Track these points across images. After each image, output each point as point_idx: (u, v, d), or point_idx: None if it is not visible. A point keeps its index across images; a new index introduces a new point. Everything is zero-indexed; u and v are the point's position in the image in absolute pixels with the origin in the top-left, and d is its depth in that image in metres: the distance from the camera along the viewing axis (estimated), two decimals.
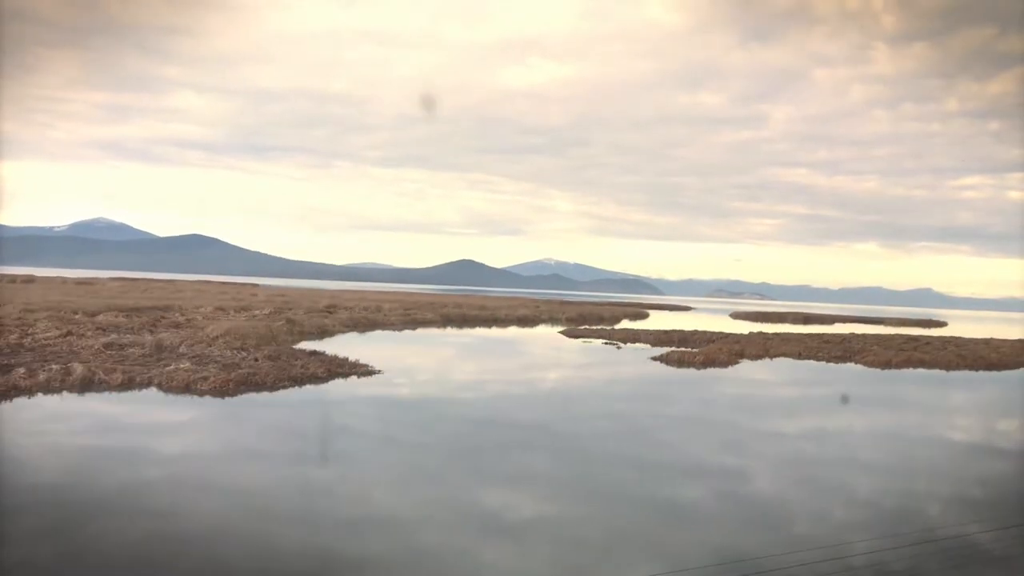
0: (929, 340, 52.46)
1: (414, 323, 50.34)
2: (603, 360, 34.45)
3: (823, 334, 55.82)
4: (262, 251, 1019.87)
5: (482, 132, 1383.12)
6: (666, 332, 48.97)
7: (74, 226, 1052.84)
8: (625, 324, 66.91)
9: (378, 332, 44.12)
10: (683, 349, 37.63)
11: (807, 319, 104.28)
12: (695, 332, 50.32)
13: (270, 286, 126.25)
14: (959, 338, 57.27)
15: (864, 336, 54.86)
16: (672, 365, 32.18)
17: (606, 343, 41.94)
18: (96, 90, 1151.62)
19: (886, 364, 36.59)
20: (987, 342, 53.22)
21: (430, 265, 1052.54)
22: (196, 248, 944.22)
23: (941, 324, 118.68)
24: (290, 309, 46.94)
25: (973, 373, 36.38)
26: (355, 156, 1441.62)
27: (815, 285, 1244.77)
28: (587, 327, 57.43)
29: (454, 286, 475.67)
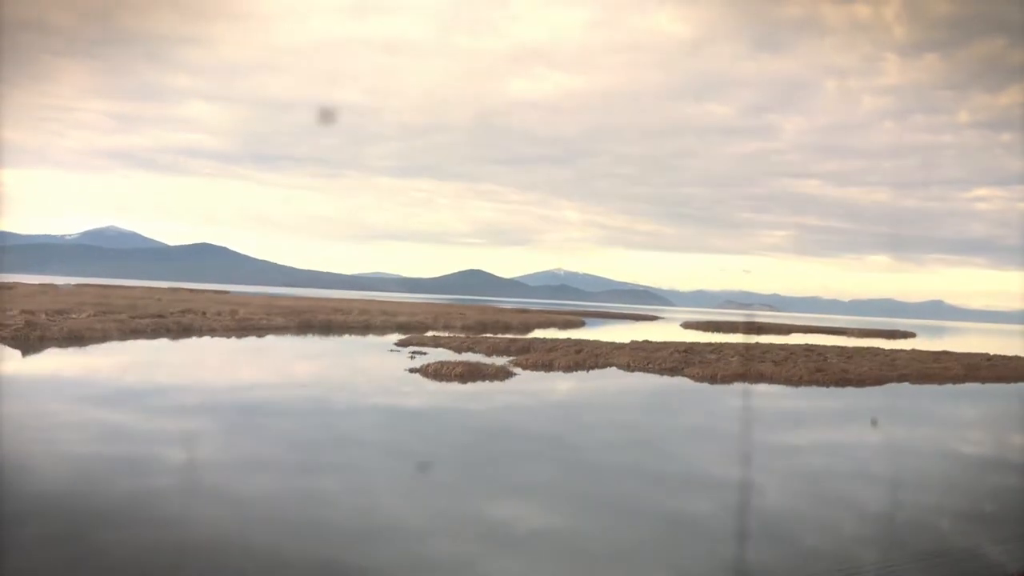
0: (825, 353, 47.37)
1: (242, 329, 45.64)
2: (344, 374, 29.96)
3: (715, 344, 50.69)
4: (271, 260, 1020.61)
5: (491, 142, 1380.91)
6: (513, 340, 44.09)
7: (85, 234, 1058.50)
8: (537, 334, 62.03)
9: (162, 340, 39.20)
10: (478, 359, 32.96)
11: (759, 329, 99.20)
12: (551, 340, 45.46)
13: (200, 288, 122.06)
14: (883, 350, 52.18)
15: (771, 346, 50.03)
16: (429, 377, 27.47)
17: (413, 354, 36.86)
18: (107, 100, 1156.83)
19: (712, 378, 31.63)
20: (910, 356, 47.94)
21: (438, 275, 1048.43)
22: (205, 257, 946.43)
23: (909, 335, 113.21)
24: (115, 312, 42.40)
25: (819, 389, 31.41)
26: (364, 166, 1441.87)
27: (826, 297, 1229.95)
28: (462, 336, 52.39)
29: (462, 296, 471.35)
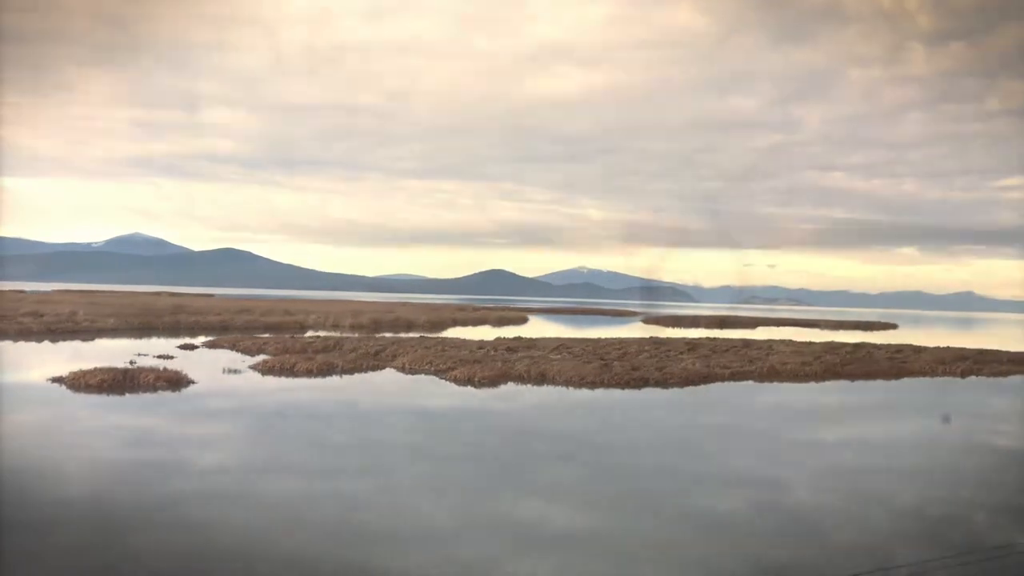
0: (760, 345, 41.14)
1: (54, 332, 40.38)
2: None
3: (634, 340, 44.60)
4: (295, 264, 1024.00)
5: (512, 141, 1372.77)
6: (329, 340, 38.29)
7: (111, 241, 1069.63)
8: (451, 333, 56.47)
9: None
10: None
11: (723, 323, 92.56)
12: (403, 340, 39.69)
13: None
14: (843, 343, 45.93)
15: (715, 341, 44.21)
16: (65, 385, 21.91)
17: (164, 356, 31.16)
18: (131, 107, 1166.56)
19: (471, 379, 25.84)
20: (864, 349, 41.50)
21: (460, 276, 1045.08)
22: (229, 262, 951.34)
23: (890, 327, 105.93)
24: None
25: (589, 392, 25.44)
26: (386, 168, 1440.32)
27: (854, 291, 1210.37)
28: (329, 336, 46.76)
29: (484, 296, 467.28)
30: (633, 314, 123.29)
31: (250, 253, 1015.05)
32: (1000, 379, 34.10)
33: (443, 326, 65.44)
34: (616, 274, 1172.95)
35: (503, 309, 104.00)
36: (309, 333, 49.03)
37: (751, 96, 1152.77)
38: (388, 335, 46.96)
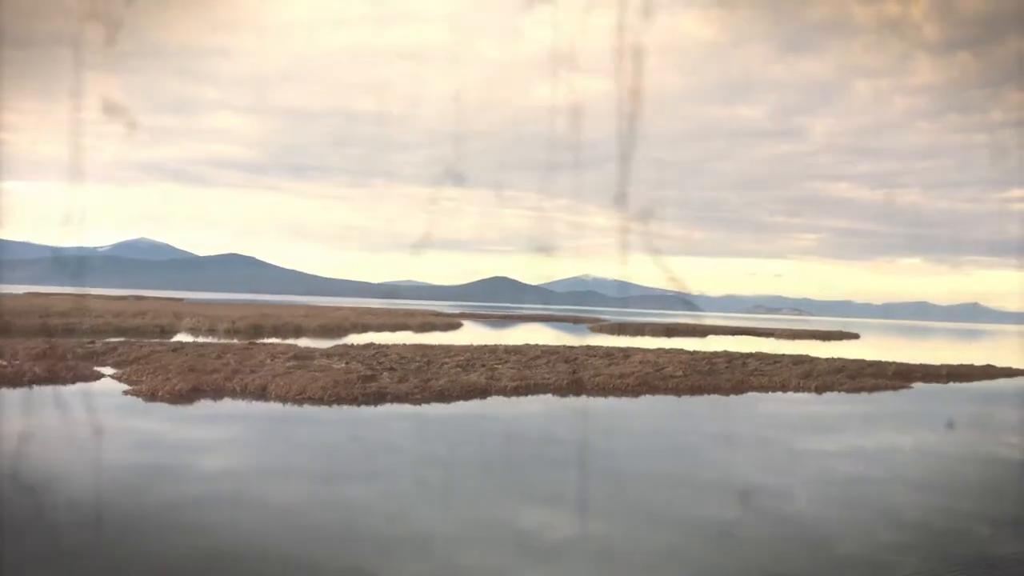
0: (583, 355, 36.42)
1: None
2: None
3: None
4: (299, 270, 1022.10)
5: (517, 148, 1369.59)
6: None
7: (117, 246, 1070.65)
8: (355, 338, 51.92)
9: None
10: None
11: (669, 331, 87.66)
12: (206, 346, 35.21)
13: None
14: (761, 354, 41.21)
15: (592, 350, 39.57)
16: None
17: None
18: (139, 113, 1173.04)
19: (302, 396, 21.34)
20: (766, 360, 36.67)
21: (464, 283, 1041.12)
22: (234, 267, 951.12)
23: (851, 337, 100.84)
24: None
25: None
26: (391, 174, 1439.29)
27: (858, 301, 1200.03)
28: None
29: (486, 303, 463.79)
30: (591, 320, 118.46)
31: (254, 259, 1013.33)
32: (855, 395, 29.38)
33: (342, 332, 60.88)
34: (621, 282, 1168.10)
35: (434, 315, 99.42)
36: (178, 336, 45.02)
37: (757, 105, 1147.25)
38: (265, 341, 42.22)
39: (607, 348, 41.47)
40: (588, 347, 41.13)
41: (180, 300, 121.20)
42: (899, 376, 34.90)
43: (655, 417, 23.91)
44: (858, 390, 30.07)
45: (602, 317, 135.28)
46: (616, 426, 21.61)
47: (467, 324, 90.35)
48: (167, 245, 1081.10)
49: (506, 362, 31.67)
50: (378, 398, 22.37)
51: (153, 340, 38.15)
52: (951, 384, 36.08)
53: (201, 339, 43.34)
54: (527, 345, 41.14)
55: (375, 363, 28.86)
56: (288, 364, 27.65)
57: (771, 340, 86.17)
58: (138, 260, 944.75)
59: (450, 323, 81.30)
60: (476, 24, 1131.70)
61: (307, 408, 20.92)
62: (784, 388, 29.91)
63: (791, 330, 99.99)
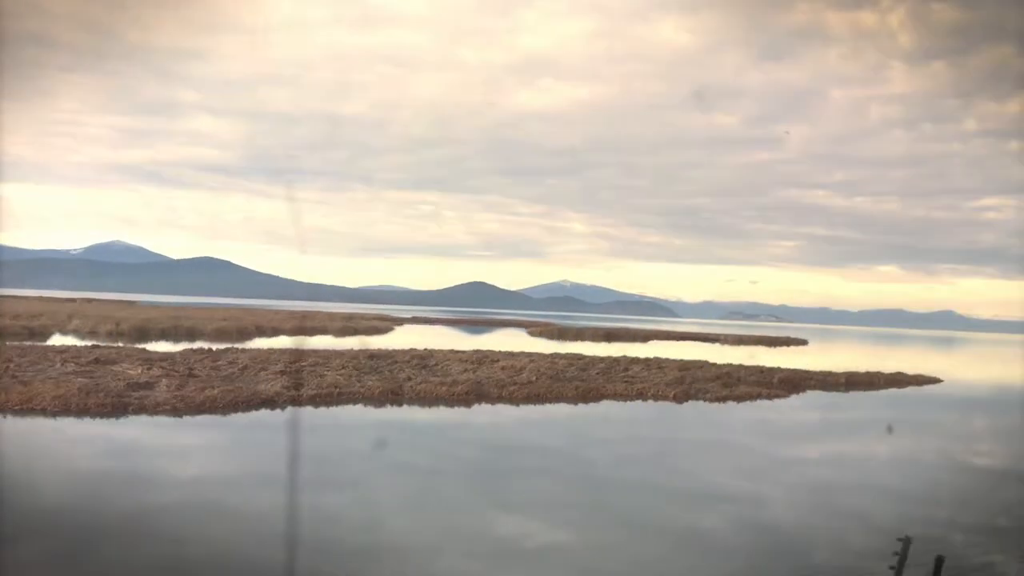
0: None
1: None
2: None
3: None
4: (274, 274, 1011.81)
5: (497, 154, 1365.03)
6: None
7: (90, 249, 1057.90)
8: (261, 343, 48.34)
9: None
10: None
11: (609, 336, 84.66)
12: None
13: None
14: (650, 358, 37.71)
15: (457, 353, 36.18)
16: None
17: None
18: (114, 114, 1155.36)
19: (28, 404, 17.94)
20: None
21: (442, 288, 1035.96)
22: (208, 271, 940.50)
23: (800, 343, 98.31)
24: None
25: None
26: (371, 179, 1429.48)
27: (835, 308, 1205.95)
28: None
29: (464, 308, 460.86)
30: (531, 324, 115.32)
31: (229, 263, 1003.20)
32: (718, 404, 26.29)
33: (244, 336, 57.17)
34: (598, 288, 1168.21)
35: (378, 318, 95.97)
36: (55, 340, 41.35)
37: (734, 113, 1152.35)
38: (137, 345, 38.62)
39: (484, 352, 38.11)
40: (452, 351, 37.69)
41: (135, 303, 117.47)
42: (786, 384, 31.88)
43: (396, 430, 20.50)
44: (725, 399, 26.96)
45: (552, 323, 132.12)
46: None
47: (408, 328, 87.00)
48: (142, 248, 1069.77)
49: (344, 368, 28.32)
50: (119, 409, 19.00)
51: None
52: (849, 392, 33.17)
53: (69, 342, 39.71)
54: (412, 349, 37.85)
55: (180, 370, 25.45)
56: (71, 368, 24.23)
57: (716, 346, 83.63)
58: (112, 263, 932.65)
59: (377, 327, 77.77)
60: (456, 29, 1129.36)
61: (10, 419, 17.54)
62: (643, 396, 26.79)
63: (737, 336, 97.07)
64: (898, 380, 37.29)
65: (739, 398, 27.56)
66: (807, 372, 35.79)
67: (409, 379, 25.55)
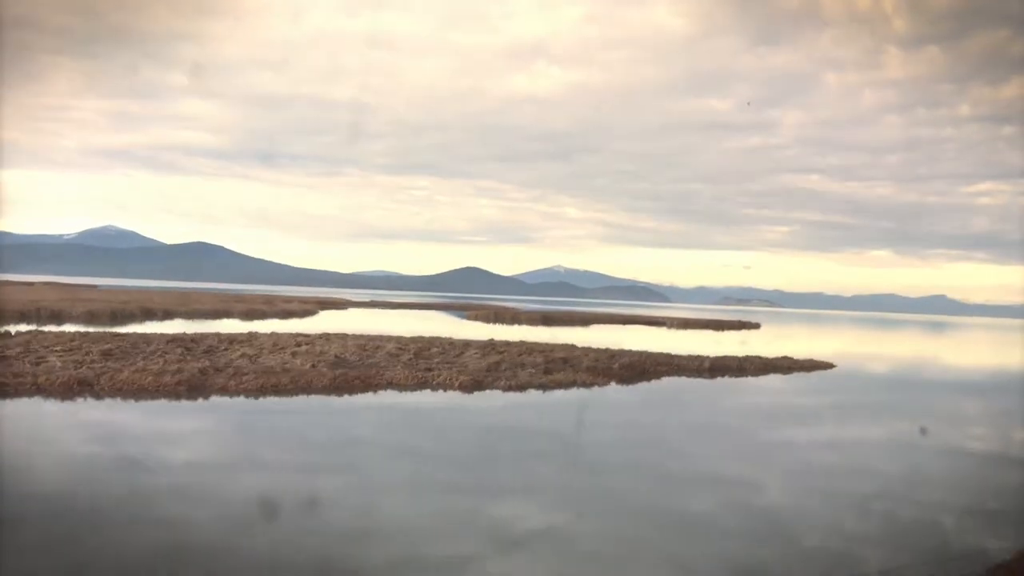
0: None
1: None
2: None
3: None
4: (267, 258, 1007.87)
5: (490, 139, 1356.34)
6: None
7: (83, 234, 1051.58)
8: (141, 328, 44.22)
9: None
10: None
11: (546, 319, 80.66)
12: None
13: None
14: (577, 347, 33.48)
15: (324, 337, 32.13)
16: None
17: None
18: (104, 98, 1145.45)
19: None
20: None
21: (435, 273, 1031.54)
22: (201, 256, 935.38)
23: (753, 326, 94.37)
24: None
25: None
26: (363, 163, 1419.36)
27: (828, 292, 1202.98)
28: None
29: (455, 294, 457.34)
30: (469, 307, 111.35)
31: (222, 247, 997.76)
32: (516, 393, 22.23)
33: (115, 319, 53.02)
34: (592, 273, 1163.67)
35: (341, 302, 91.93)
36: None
37: (728, 98, 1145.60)
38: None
39: (309, 337, 33.79)
40: (287, 335, 33.37)
41: (93, 287, 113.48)
42: (630, 369, 27.85)
43: None
44: (525, 387, 22.92)
45: (505, 305, 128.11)
46: None
47: (346, 313, 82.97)
48: (134, 233, 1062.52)
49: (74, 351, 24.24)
50: None
51: None
52: (715, 379, 29.16)
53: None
54: (236, 334, 33.70)
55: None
56: None
57: (662, 329, 79.76)
58: (104, 248, 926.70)
59: (295, 311, 73.67)
60: (447, 12, 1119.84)
61: None
62: (429, 385, 22.77)
63: (683, 319, 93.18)
64: (777, 366, 33.15)
65: (554, 386, 23.54)
66: (669, 356, 31.68)
67: (106, 371, 21.29)
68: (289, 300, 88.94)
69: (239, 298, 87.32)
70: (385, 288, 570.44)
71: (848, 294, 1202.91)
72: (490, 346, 31.92)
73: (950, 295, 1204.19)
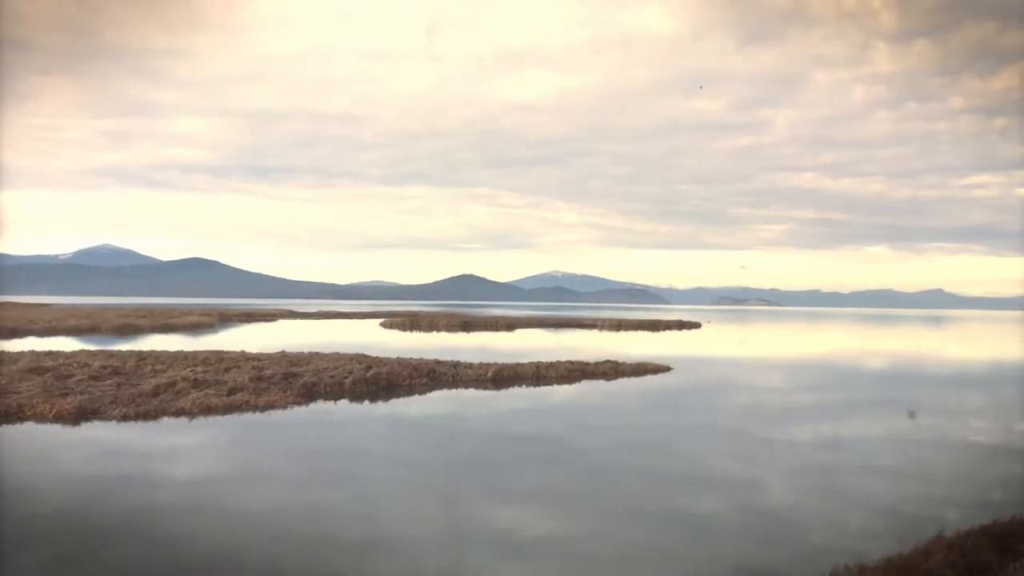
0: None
1: None
2: None
3: None
4: (263, 272, 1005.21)
5: (484, 146, 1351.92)
6: None
7: (78, 253, 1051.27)
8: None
9: None
10: None
11: (465, 325, 76.04)
12: None
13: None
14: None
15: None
16: None
17: None
18: (97, 117, 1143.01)
19: None
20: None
21: (431, 281, 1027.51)
22: (197, 271, 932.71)
23: (693, 326, 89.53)
24: None
25: None
26: (358, 174, 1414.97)
27: (825, 290, 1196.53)
28: None
29: (452, 302, 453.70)
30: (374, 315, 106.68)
31: (218, 263, 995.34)
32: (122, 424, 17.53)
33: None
34: (589, 277, 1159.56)
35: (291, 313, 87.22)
36: None
37: (719, 98, 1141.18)
38: None
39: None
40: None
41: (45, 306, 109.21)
42: (377, 384, 23.15)
43: None
44: (168, 413, 18.21)
45: (420, 312, 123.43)
46: None
47: (266, 325, 78.61)
48: (130, 251, 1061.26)
49: None
50: None
51: None
52: (499, 390, 24.48)
53: None
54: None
55: None
56: None
57: (592, 332, 75.30)
58: (100, 267, 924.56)
59: (198, 323, 69.02)
60: (436, 21, 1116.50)
61: None
62: (21, 412, 18.05)
63: (617, 320, 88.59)
64: (593, 372, 28.28)
65: (215, 410, 18.87)
66: (461, 365, 26.88)
67: None
68: (189, 313, 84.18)
69: (167, 312, 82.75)
70: (382, 298, 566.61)
71: (846, 291, 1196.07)
72: (218, 357, 27.23)
73: (947, 288, 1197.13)
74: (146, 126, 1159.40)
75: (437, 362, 27.09)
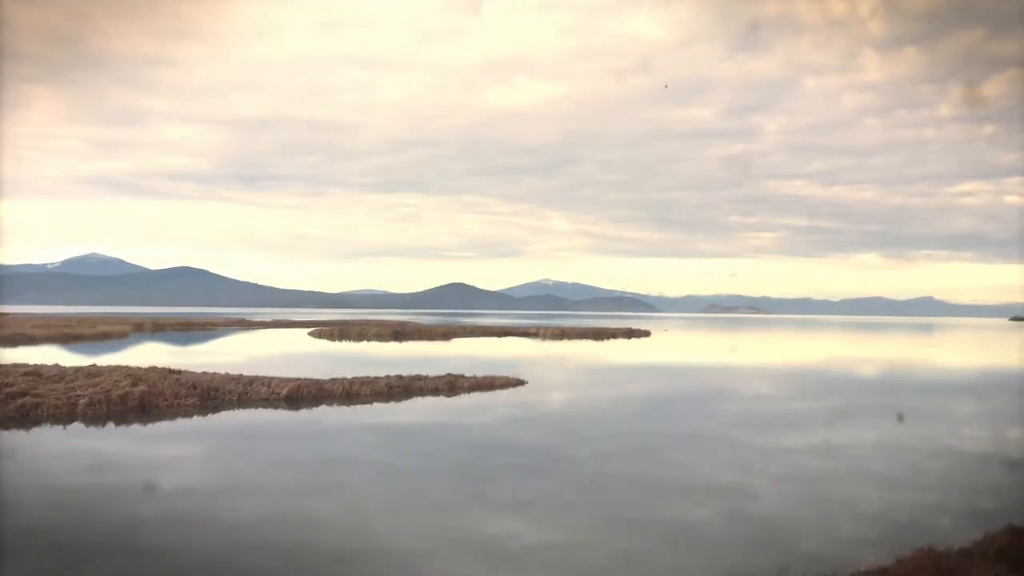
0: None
1: None
2: None
3: None
4: (252, 281, 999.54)
5: (474, 154, 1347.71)
6: None
7: (67, 262, 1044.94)
8: None
9: None
10: None
11: (397, 334, 73.03)
12: None
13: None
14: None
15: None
16: None
17: None
18: (85, 125, 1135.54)
19: None
20: None
21: (421, 290, 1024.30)
22: (186, 280, 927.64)
23: (643, 334, 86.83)
24: None
25: None
26: (347, 183, 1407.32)
27: (816, 297, 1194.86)
28: None
29: (442, 310, 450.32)
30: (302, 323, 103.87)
31: (206, 271, 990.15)
32: None
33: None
34: (580, 285, 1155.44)
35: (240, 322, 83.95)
36: None
37: (709, 106, 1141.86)
38: None
39: None
40: None
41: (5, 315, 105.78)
42: (127, 406, 20.19)
43: None
44: None
45: (352, 321, 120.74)
46: None
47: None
48: (118, 260, 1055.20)
49: None
50: None
51: None
52: (299, 411, 21.56)
53: None
54: None
55: None
56: None
57: (535, 340, 72.57)
58: (88, 276, 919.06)
59: (104, 334, 65.84)
60: (426, 28, 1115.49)
61: None
62: None
63: (560, 328, 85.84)
64: (411, 387, 25.19)
65: None
66: (253, 379, 23.93)
67: None
68: (107, 321, 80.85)
69: (88, 322, 79.45)
70: (372, 307, 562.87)
71: (836, 298, 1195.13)
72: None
73: (937, 296, 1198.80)
74: (135, 135, 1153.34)
75: (228, 377, 24.03)
